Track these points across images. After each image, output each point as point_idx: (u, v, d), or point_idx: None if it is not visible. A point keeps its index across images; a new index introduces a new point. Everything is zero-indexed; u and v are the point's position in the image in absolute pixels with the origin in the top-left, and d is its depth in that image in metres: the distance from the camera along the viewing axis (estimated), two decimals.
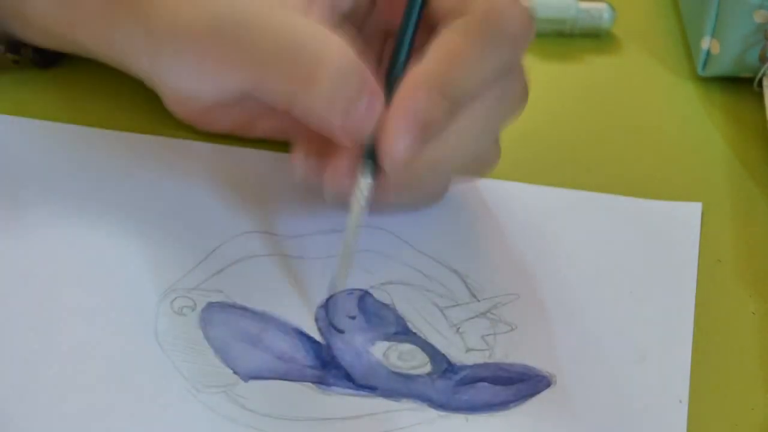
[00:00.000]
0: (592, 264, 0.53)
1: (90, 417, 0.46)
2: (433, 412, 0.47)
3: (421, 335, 0.50)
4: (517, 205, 0.55)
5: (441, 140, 0.49)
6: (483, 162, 0.52)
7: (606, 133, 0.60)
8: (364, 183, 0.49)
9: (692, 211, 0.55)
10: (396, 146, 0.47)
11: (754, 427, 0.47)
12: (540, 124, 0.59)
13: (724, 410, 0.48)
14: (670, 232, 0.54)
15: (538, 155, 0.58)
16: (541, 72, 0.62)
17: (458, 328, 0.50)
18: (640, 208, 0.55)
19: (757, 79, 0.60)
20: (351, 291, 0.51)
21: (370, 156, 0.49)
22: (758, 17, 0.59)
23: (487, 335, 0.50)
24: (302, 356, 0.49)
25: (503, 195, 0.56)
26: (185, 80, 0.52)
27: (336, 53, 0.48)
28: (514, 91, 0.51)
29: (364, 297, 0.51)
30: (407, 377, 0.48)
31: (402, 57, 0.50)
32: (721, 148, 0.59)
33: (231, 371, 0.48)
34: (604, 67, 0.64)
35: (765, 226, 0.55)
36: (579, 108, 0.61)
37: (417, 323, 0.50)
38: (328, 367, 0.49)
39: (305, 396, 0.48)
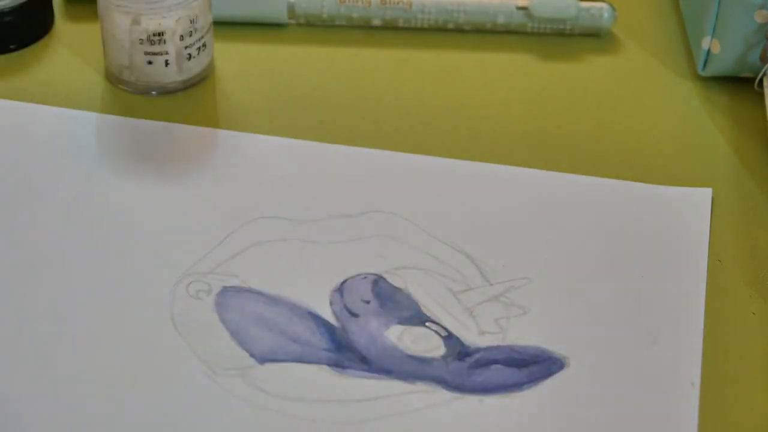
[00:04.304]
0: (603, 248, 0.53)
1: (107, 398, 0.47)
2: (447, 394, 0.48)
3: (435, 319, 0.50)
4: (529, 190, 0.56)
5: None
6: None
7: (606, 133, 0.60)
8: None
9: (702, 196, 0.56)
10: None
11: (755, 427, 0.48)
12: (540, 123, 0.60)
13: (725, 410, 0.48)
14: (681, 217, 0.55)
15: (537, 154, 0.58)
16: (541, 71, 0.63)
17: (471, 312, 0.51)
18: (650, 193, 0.56)
19: (757, 79, 0.60)
20: (365, 276, 0.52)
21: None
22: (759, 17, 0.59)
23: (500, 318, 0.51)
24: (317, 339, 0.49)
25: (515, 181, 0.56)
26: None
27: None
28: None
29: (377, 281, 0.52)
30: (422, 360, 0.49)
31: None
32: (721, 147, 0.59)
33: (247, 354, 0.49)
34: (604, 66, 0.63)
35: (765, 227, 0.55)
36: (579, 107, 0.61)
37: (430, 307, 0.51)
38: (343, 350, 0.49)
39: (321, 378, 0.48)
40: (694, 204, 0.55)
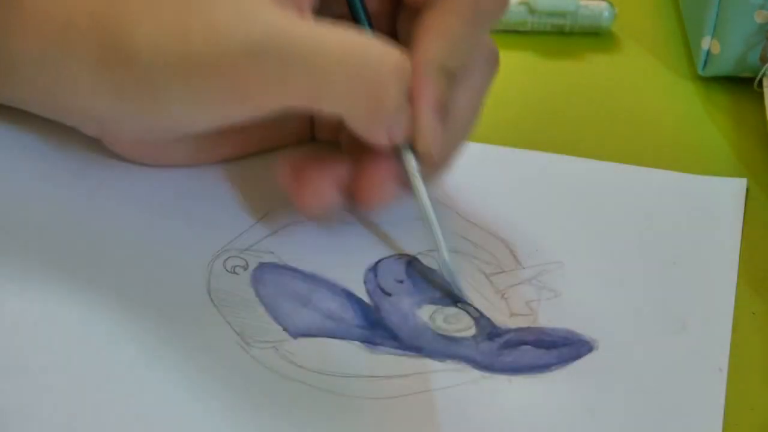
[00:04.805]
0: (636, 235, 0.54)
1: (142, 367, 0.48)
2: (476, 373, 0.49)
3: (467, 300, 0.51)
4: (563, 175, 0.56)
5: (457, 116, 0.51)
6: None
7: (605, 133, 0.60)
8: (412, 165, 0.50)
9: (737, 186, 0.56)
10: (435, 133, 0.49)
11: (754, 427, 0.48)
12: (539, 121, 0.60)
13: (725, 410, 0.48)
14: (716, 206, 0.55)
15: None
16: (540, 70, 0.63)
17: (503, 294, 0.51)
18: (685, 182, 0.56)
19: (757, 79, 0.61)
20: (399, 256, 0.53)
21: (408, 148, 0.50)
22: (759, 17, 0.59)
23: (532, 301, 0.51)
24: (350, 316, 0.50)
25: (549, 166, 0.57)
26: (192, 111, 0.49)
27: (396, 65, 0.48)
28: (492, 57, 0.52)
29: (412, 262, 0.52)
30: (452, 339, 0.50)
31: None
32: (721, 148, 0.59)
33: (281, 328, 0.49)
34: (603, 65, 0.64)
35: (765, 226, 0.55)
36: (578, 106, 0.61)
37: (463, 288, 0.51)
38: (375, 328, 0.50)
39: (353, 354, 0.49)
40: (729, 193, 0.56)
